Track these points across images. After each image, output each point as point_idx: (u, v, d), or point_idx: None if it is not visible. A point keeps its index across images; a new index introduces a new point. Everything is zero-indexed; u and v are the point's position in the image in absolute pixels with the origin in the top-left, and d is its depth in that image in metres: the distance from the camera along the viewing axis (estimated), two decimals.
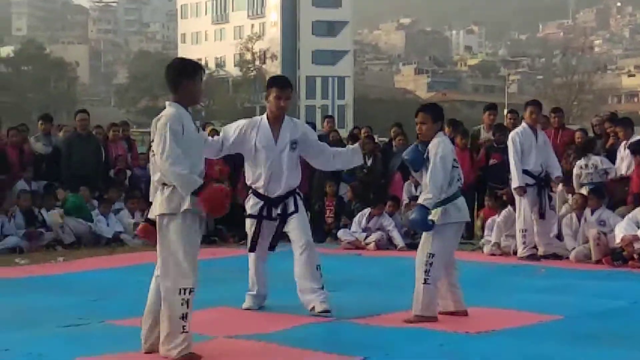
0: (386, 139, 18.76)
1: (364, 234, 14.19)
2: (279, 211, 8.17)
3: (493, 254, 13.06)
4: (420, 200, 7.71)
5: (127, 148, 16.54)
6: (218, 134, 17.44)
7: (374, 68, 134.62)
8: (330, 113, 59.39)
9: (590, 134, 15.13)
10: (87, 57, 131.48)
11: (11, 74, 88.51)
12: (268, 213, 8.19)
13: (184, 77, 6.47)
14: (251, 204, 8.28)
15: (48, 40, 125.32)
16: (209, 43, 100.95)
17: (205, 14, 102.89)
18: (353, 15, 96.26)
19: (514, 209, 12.79)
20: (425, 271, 7.66)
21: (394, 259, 12.42)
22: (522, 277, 10.98)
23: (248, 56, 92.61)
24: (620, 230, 11.68)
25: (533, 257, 12.39)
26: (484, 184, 15.03)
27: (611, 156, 13.67)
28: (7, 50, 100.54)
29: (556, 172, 12.67)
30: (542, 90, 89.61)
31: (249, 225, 8.30)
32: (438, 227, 7.63)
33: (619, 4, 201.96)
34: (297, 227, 8.11)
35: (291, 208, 8.16)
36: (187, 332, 6.26)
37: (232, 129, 8.31)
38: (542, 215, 12.47)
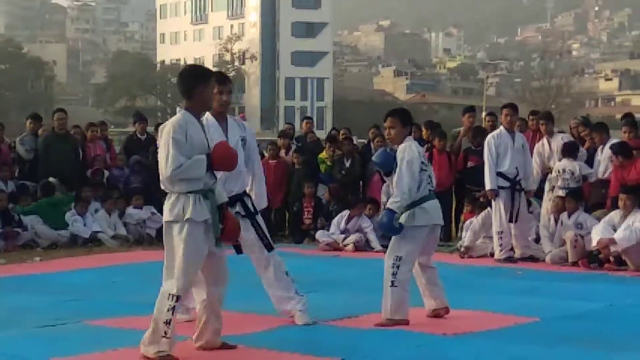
0: (365, 141, 18.80)
1: (342, 236, 14.20)
2: (237, 209, 7.74)
3: (470, 256, 13.08)
4: (388, 204, 7.73)
5: (105, 148, 16.48)
6: None
7: (353, 70, 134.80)
8: (309, 114, 59.47)
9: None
10: (65, 56, 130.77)
11: None
12: None
13: (200, 81, 6.47)
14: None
15: (26, 39, 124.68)
16: (188, 43, 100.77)
17: (185, 14, 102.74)
18: (332, 16, 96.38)
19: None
20: (393, 274, 7.69)
21: (372, 260, 12.40)
22: (499, 279, 11.03)
23: (227, 57, 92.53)
24: (597, 233, 11.75)
25: (510, 259, 12.44)
26: (462, 187, 15.06)
27: (588, 159, 13.75)
28: None
29: (530, 185, 12.79)
30: (520, 93, 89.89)
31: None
32: (406, 230, 7.67)
33: (596, 8, 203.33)
34: (254, 243, 7.73)
35: (251, 207, 7.83)
36: (169, 337, 6.28)
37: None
38: (512, 219, 12.50)
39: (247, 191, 7.88)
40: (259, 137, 18.71)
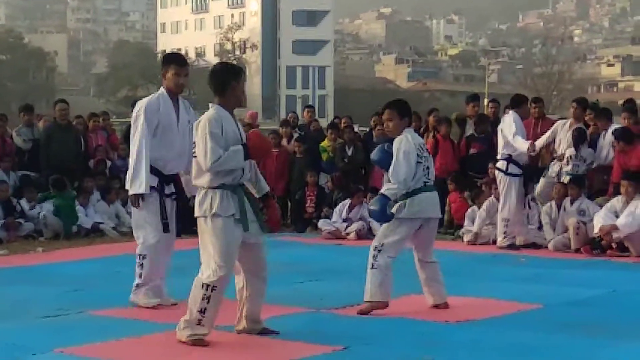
0: (367, 129, 18.78)
1: (345, 224, 14.21)
2: (172, 189, 8.15)
3: (473, 244, 13.10)
4: (382, 190, 7.71)
5: (107, 138, 16.48)
6: None
7: (354, 58, 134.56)
8: (310, 103, 59.33)
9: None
10: (66, 47, 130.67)
11: None
12: (161, 189, 8.12)
13: (232, 78, 6.68)
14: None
15: (26, 29, 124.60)
16: (188, 33, 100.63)
17: (185, 3, 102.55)
18: (333, 4, 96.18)
19: (497, 198, 12.85)
20: (374, 256, 7.72)
21: None
22: (501, 266, 11.04)
23: (228, 46, 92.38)
24: (599, 220, 11.75)
25: (512, 246, 12.44)
26: (464, 174, 15.05)
27: (591, 145, 13.77)
28: None
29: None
30: (522, 80, 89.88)
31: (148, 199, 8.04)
32: (396, 220, 7.68)
33: None
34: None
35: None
36: (202, 325, 6.46)
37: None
38: (526, 206, 12.54)
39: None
40: (260, 126, 18.68)
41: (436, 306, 7.97)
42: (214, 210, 6.44)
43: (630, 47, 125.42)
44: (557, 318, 7.54)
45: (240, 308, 6.81)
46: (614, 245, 11.76)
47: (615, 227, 11.57)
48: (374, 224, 13.86)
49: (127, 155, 15.86)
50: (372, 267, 7.72)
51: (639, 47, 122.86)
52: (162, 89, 8.22)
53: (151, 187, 8.02)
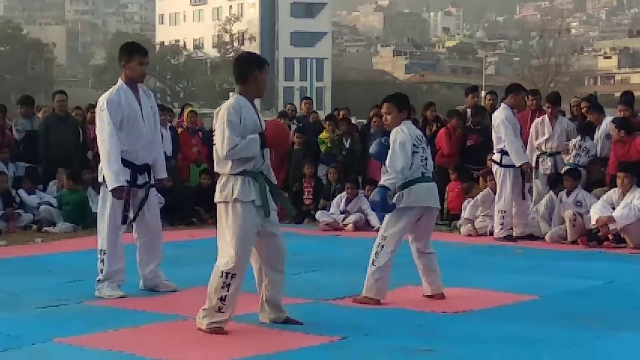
0: (364, 121, 18.80)
1: (342, 216, 14.23)
2: (146, 179, 8.28)
3: (469, 235, 13.13)
4: (381, 182, 7.76)
5: None
6: (196, 116, 17.55)
7: (352, 50, 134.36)
8: (308, 95, 59.31)
9: (568, 115, 15.22)
10: (65, 38, 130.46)
11: None
12: (134, 180, 8.21)
13: (256, 67, 6.75)
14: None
15: (25, 20, 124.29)
16: (187, 24, 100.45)
17: None
18: None
19: (493, 190, 12.90)
20: (376, 253, 7.80)
21: (372, 240, 12.41)
22: (498, 257, 11.07)
23: (226, 38, 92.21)
24: (596, 212, 11.79)
25: (509, 237, 12.47)
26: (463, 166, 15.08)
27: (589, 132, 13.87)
28: None
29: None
30: (519, 72, 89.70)
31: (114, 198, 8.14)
32: (395, 211, 7.74)
33: None
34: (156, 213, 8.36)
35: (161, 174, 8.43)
36: (222, 312, 6.54)
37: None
38: (524, 196, 12.57)
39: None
40: None
41: (432, 296, 8.01)
42: (235, 196, 6.54)
43: (627, 39, 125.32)
44: (553, 309, 7.58)
45: (261, 296, 6.88)
46: (610, 236, 11.80)
47: (611, 219, 11.60)
48: (372, 216, 13.91)
49: None
50: (372, 264, 7.79)
51: (635, 39, 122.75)
52: (120, 81, 8.26)
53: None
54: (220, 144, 6.57)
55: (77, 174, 14.52)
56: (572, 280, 9.13)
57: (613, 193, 11.97)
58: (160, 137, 8.61)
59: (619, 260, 10.73)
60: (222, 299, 6.52)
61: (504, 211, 12.53)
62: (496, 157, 12.65)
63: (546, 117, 13.67)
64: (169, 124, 15.50)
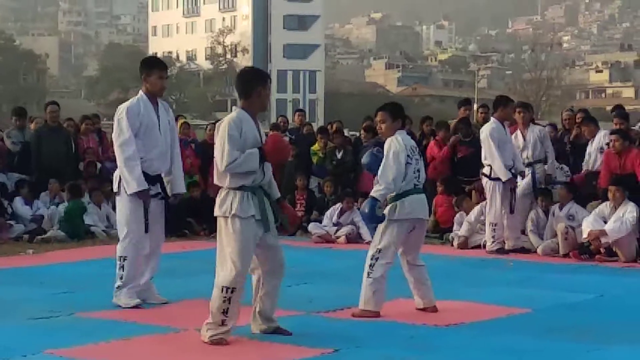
0: (357, 133, 18.82)
1: (335, 228, 14.22)
2: (158, 189, 8.32)
3: (464, 248, 13.12)
4: (372, 193, 7.76)
5: (99, 141, 16.46)
6: (189, 127, 17.55)
7: (344, 62, 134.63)
8: (301, 107, 59.34)
9: (560, 128, 15.26)
10: (57, 49, 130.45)
11: None
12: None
13: (259, 83, 6.82)
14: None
15: (18, 31, 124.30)
16: (180, 36, 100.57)
17: (177, 6, 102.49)
18: (324, 9, 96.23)
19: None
20: (370, 265, 7.80)
21: (364, 252, 12.38)
22: (490, 270, 11.07)
23: (219, 50, 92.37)
24: (587, 225, 11.80)
25: (501, 250, 12.48)
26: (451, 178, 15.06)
27: (578, 148, 13.85)
28: None
29: (521, 167, 12.82)
30: (511, 85, 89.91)
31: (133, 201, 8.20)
32: (388, 223, 7.75)
33: (587, 0, 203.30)
34: (161, 224, 8.43)
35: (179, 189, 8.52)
36: (226, 325, 6.62)
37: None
38: (512, 210, 12.56)
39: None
40: None
41: (424, 309, 8.00)
42: (233, 212, 6.60)
43: (619, 53, 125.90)
44: (545, 322, 7.58)
45: (254, 307, 6.95)
46: (602, 250, 11.81)
47: (603, 232, 11.62)
48: (363, 229, 13.91)
49: None
50: (368, 276, 7.79)
51: (627, 53, 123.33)
52: (141, 93, 8.36)
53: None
54: (220, 158, 6.61)
55: (78, 185, 14.48)
56: (563, 294, 9.13)
57: (605, 207, 11.99)
58: (178, 152, 8.62)
59: (611, 274, 10.74)
60: (225, 312, 6.60)
61: (495, 224, 12.54)
62: (486, 170, 12.68)
63: (518, 130, 13.51)
64: None
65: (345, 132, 18.35)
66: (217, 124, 6.88)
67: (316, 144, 16.32)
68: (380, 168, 7.72)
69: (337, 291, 8.98)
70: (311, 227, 14.42)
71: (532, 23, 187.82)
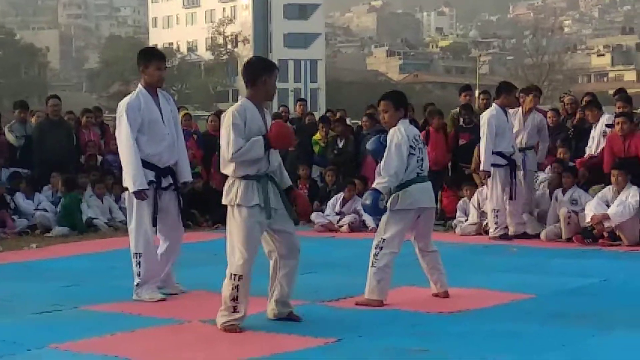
0: (359, 122, 18.81)
1: (337, 217, 14.23)
2: (170, 181, 8.34)
3: (479, 234, 13.12)
4: (374, 185, 7.79)
5: (101, 134, 16.47)
6: (191, 118, 17.55)
7: (346, 51, 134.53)
8: (302, 96, 59.34)
9: (562, 112, 15.23)
10: (58, 42, 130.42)
11: None
12: (158, 183, 8.28)
13: (265, 72, 6.92)
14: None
15: (18, 25, 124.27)
16: (180, 27, 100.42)
17: None
18: None
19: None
20: (375, 254, 7.79)
21: (367, 241, 12.37)
22: (494, 256, 11.08)
23: (220, 40, 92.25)
24: (590, 210, 11.80)
25: (505, 236, 12.48)
26: (455, 165, 15.08)
27: (582, 133, 13.83)
28: None
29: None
30: (513, 71, 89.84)
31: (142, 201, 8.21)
32: (392, 213, 7.75)
33: None
34: (175, 216, 8.40)
35: (186, 177, 8.50)
36: (238, 311, 6.74)
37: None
38: (511, 196, 12.55)
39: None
40: None
41: (437, 295, 8.02)
42: (237, 201, 6.74)
43: (620, 37, 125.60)
44: (549, 308, 7.58)
45: (272, 291, 7.07)
46: (605, 234, 11.81)
47: (606, 217, 11.62)
48: (367, 217, 13.92)
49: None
50: (372, 266, 7.78)
51: (629, 36, 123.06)
52: (139, 86, 8.34)
53: (148, 183, 8.16)
54: (226, 147, 6.73)
55: (73, 178, 14.50)
56: (567, 279, 9.13)
57: (608, 191, 11.98)
58: (182, 140, 8.61)
59: (614, 258, 10.74)
60: (235, 299, 6.73)
61: (497, 210, 12.54)
62: None
63: (520, 110, 13.50)
64: None
65: (347, 121, 18.33)
66: (222, 115, 6.93)
67: (318, 134, 16.31)
68: (383, 160, 7.72)
69: (341, 280, 8.98)
70: (314, 216, 14.41)
71: (533, 8, 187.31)
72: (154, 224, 8.27)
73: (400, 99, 8.03)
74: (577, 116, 14.29)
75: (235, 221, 6.77)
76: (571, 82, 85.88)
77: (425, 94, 74.42)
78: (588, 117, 13.70)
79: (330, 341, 6.41)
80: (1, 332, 6.83)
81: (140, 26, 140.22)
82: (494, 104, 12.81)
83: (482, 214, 13.22)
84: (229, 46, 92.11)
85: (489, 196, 12.66)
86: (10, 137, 15.44)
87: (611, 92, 16.64)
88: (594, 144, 13.37)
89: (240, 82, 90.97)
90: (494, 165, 12.46)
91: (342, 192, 14.50)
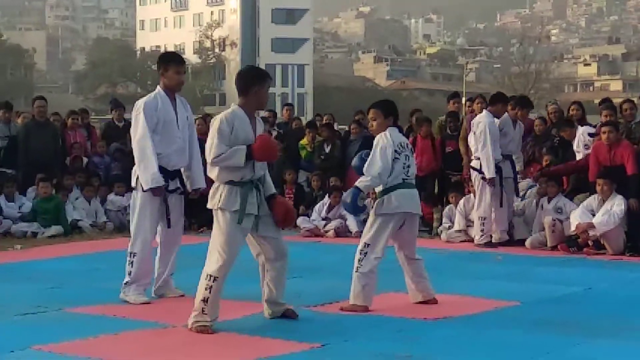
0: (346, 127, 18.82)
1: (323, 222, 14.24)
2: (177, 184, 8.38)
3: (463, 241, 13.14)
4: (356, 183, 7.82)
5: (87, 135, 16.43)
6: None
7: (333, 56, 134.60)
8: (290, 101, 59.30)
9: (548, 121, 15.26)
10: (45, 44, 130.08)
11: None
12: (166, 186, 8.30)
13: (256, 83, 7.05)
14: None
15: (5, 26, 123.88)
16: (168, 30, 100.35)
17: (165, 0, 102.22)
18: (313, 3, 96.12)
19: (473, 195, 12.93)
20: (359, 260, 7.81)
21: (353, 246, 12.39)
22: (478, 264, 11.10)
23: (207, 44, 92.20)
24: (575, 218, 11.84)
25: (489, 244, 12.50)
26: (442, 173, 15.07)
27: (567, 141, 13.85)
28: None
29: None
30: (499, 79, 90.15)
31: (147, 197, 8.19)
32: (376, 217, 7.80)
33: None
34: (179, 219, 8.53)
35: (199, 184, 8.54)
36: (205, 314, 6.80)
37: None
38: (501, 204, 12.58)
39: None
40: None
41: (425, 302, 8.03)
42: (220, 205, 6.85)
43: (607, 46, 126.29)
44: (533, 315, 7.60)
45: (263, 292, 7.26)
46: (590, 243, 11.85)
47: (591, 225, 11.66)
48: (350, 222, 13.95)
49: (106, 152, 16.03)
50: (356, 271, 7.80)
51: (615, 46, 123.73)
52: (158, 88, 8.38)
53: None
54: (208, 151, 6.83)
55: (58, 181, 14.46)
56: (552, 287, 9.15)
57: (593, 199, 12.02)
58: (197, 147, 8.57)
59: (599, 267, 10.77)
60: (205, 300, 6.78)
61: (484, 218, 12.57)
62: (475, 163, 12.69)
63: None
64: None
65: (335, 126, 18.33)
66: (211, 120, 7.01)
67: (304, 138, 16.31)
68: (367, 161, 7.75)
69: (326, 285, 8.98)
70: (300, 221, 14.41)
71: (521, 16, 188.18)
72: (169, 226, 8.33)
73: (389, 107, 8.06)
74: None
75: (218, 224, 6.88)
76: (557, 91, 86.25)
77: (412, 101, 74.59)
78: (565, 136, 13.68)
79: (315, 346, 6.40)
80: None
81: (127, 28, 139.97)
82: (486, 111, 12.79)
83: (468, 222, 13.24)
84: (217, 50, 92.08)
85: (476, 204, 12.69)
86: None
87: (597, 101, 16.67)
88: (581, 154, 13.37)
89: (227, 86, 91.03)
90: (483, 173, 12.45)
91: (327, 198, 14.50)
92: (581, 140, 13.35)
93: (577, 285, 9.28)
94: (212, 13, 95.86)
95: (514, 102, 13.13)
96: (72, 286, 9.16)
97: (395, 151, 7.76)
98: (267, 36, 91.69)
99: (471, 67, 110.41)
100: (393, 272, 8.21)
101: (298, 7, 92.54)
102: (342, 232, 14.03)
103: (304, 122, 18.89)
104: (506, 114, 12.83)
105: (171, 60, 8.51)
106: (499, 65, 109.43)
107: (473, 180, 12.84)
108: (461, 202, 13.48)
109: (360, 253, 7.82)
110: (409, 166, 7.88)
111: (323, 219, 14.32)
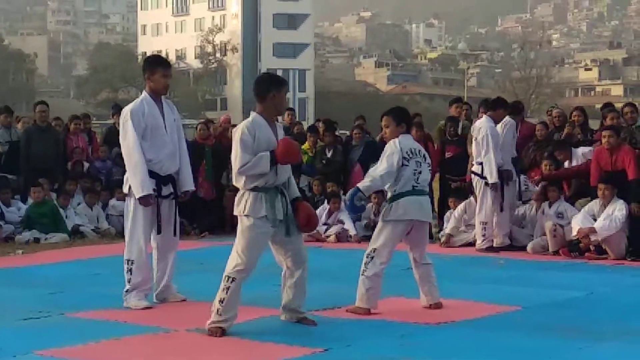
0: (347, 132, 18.81)
1: (324, 227, 14.23)
2: (171, 190, 8.36)
3: (450, 246, 13.14)
4: (358, 184, 7.91)
5: (88, 140, 16.44)
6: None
7: (334, 61, 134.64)
8: (291, 106, 59.28)
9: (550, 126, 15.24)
10: (46, 49, 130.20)
11: None
12: (159, 191, 8.28)
13: (274, 88, 7.11)
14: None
15: (6, 31, 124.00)
16: (169, 35, 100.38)
17: (166, 5, 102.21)
18: (314, 8, 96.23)
19: (475, 199, 12.92)
20: (365, 263, 7.88)
21: (354, 251, 12.42)
22: (481, 268, 11.09)
23: (209, 48, 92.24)
24: (577, 223, 11.83)
25: (491, 248, 12.50)
26: (442, 178, 15.05)
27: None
28: None
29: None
30: (500, 83, 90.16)
31: (142, 208, 8.19)
32: (384, 223, 7.88)
33: None
34: (170, 225, 8.43)
35: (188, 186, 8.52)
36: (220, 315, 6.88)
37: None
38: (502, 209, 12.58)
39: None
40: None
41: (429, 306, 8.06)
42: (246, 212, 6.97)
43: (608, 51, 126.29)
44: (535, 320, 7.60)
45: (282, 297, 7.36)
46: (591, 247, 11.84)
47: (593, 230, 11.65)
48: (347, 226, 13.95)
49: (107, 157, 16.04)
50: (362, 275, 7.87)
51: (616, 51, 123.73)
52: (144, 93, 8.35)
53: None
54: (234, 161, 6.96)
55: (60, 186, 14.46)
56: (553, 291, 9.15)
57: (594, 204, 12.02)
58: (185, 149, 8.58)
59: (600, 272, 10.76)
60: (222, 301, 6.86)
61: (486, 222, 12.57)
62: (476, 168, 12.68)
63: (500, 126, 13.46)
64: None
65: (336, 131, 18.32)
66: (233, 130, 7.12)
67: (306, 143, 16.31)
68: (374, 165, 7.87)
69: (327, 290, 8.96)
70: None
71: (522, 21, 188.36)
72: (159, 232, 8.30)
73: (401, 114, 8.12)
74: (566, 130, 14.29)
75: (241, 230, 6.99)
76: (559, 96, 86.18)
77: (413, 106, 74.41)
78: (560, 159, 13.58)
79: (317, 351, 6.40)
80: None
81: (129, 33, 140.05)
82: (486, 117, 12.78)
83: (468, 227, 13.24)
84: (218, 55, 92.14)
85: (477, 208, 12.68)
86: None
87: (598, 106, 16.66)
88: (582, 159, 13.32)
89: (228, 91, 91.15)
90: (485, 178, 12.45)
91: (327, 204, 14.48)
92: (580, 160, 13.24)
93: (579, 289, 9.28)
94: (213, 18, 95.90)
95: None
96: (74, 291, 9.17)
97: (404, 157, 7.81)
98: (268, 41, 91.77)
99: (472, 72, 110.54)
100: (397, 277, 8.23)
101: (299, 12, 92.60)
102: (343, 237, 14.02)
103: (305, 127, 18.87)
104: (507, 117, 12.86)
105: (158, 63, 8.48)
106: (500, 70, 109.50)
107: (474, 185, 12.83)
108: (461, 206, 13.45)
109: (367, 257, 7.88)
110: (420, 172, 7.91)
111: (323, 224, 14.31)
